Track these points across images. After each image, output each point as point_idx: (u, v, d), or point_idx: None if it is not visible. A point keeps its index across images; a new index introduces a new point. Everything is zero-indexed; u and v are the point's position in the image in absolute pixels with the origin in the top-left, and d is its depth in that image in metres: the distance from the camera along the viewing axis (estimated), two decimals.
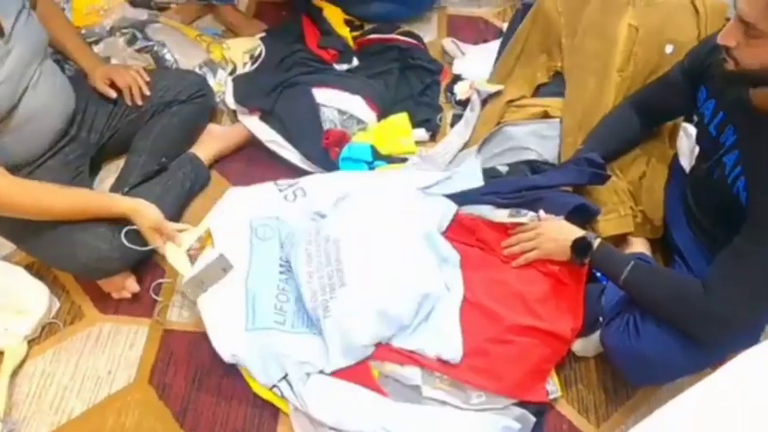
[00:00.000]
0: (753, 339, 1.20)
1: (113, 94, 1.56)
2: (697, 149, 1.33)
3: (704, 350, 1.11)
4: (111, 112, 1.56)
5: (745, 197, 1.07)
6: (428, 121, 1.76)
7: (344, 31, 1.93)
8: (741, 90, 1.09)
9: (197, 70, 1.77)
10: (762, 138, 1.05)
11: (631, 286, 1.18)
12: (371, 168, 1.60)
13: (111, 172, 1.63)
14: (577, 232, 1.26)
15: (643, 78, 1.51)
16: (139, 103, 1.56)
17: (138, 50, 1.73)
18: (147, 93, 1.57)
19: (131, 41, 1.74)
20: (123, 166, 1.57)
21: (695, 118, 1.30)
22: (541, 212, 1.36)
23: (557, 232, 1.28)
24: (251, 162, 1.71)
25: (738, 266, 1.04)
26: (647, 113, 1.41)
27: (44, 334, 1.40)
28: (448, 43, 1.98)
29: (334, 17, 1.95)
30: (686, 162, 1.44)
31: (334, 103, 1.68)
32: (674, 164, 1.46)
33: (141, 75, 1.57)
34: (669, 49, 1.51)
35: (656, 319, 1.15)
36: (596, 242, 1.23)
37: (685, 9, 1.56)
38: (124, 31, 1.74)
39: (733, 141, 1.13)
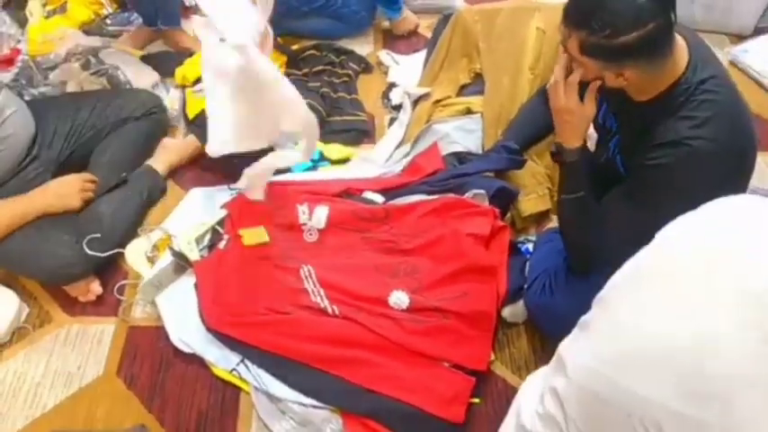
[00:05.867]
0: None
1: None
2: (596, 135, 1.52)
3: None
4: (70, 131, 1.66)
5: (624, 174, 1.25)
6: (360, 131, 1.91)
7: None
8: None
9: (150, 89, 1.90)
10: (637, 125, 1.20)
11: (566, 206, 1.30)
12: (315, 167, 1.75)
13: None
14: (578, 141, 1.26)
15: (552, 74, 1.69)
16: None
17: (94, 74, 1.85)
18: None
19: (86, 66, 1.85)
20: None
21: None
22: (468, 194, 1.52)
23: (577, 121, 1.25)
24: (204, 171, 1.84)
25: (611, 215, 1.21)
26: None
27: (14, 338, 1.50)
28: (383, 55, 2.15)
29: None
30: (592, 145, 1.62)
31: None
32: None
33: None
34: None
35: (565, 275, 1.31)
36: (574, 158, 1.27)
37: None
38: (78, 56, 1.86)
39: (616, 127, 1.31)
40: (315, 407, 1.35)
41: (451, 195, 1.54)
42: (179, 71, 1.97)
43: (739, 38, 2.30)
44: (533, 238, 1.60)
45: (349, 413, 1.34)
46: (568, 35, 1.11)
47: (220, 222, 1.57)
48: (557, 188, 1.43)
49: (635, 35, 1.02)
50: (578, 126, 1.25)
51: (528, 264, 1.51)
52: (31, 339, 1.50)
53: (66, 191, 1.50)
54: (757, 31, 2.29)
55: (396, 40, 2.27)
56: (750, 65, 2.15)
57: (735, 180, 1.21)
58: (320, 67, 2.04)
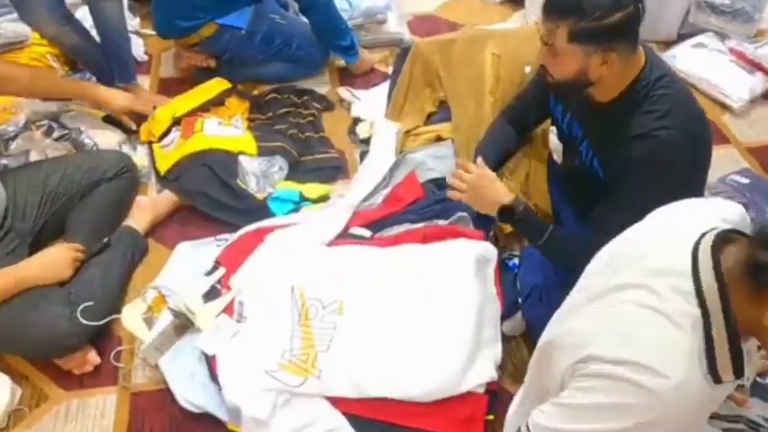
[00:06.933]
0: None
1: (134, 126, 1.94)
2: (561, 145, 1.62)
3: None
4: (42, 200, 1.61)
5: (603, 173, 1.34)
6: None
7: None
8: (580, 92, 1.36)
9: (117, 149, 1.88)
10: (604, 125, 1.31)
11: (547, 248, 1.39)
12: (298, 208, 1.77)
13: None
14: (505, 198, 1.38)
15: (512, 96, 1.78)
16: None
17: (57, 139, 1.81)
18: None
19: (49, 132, 1.81)
20: None
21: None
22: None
23: (488, 194, 1.40)
24: (183, 225, 1.82)
25: (604, 220, 1.28)
26: (518, 124, 1.66)
27: (11, 422, 1.43)
28: (343, 92, 2.21)
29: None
30: (558, 156, 1.73)
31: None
32: (550, 160, 1.74)
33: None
34: (528, 69, 1.81)
35: (559, 286, 1.38)
36: (521, 209, 1.38)
37: (535, 34, 1.86)
38: (39, 123, 1.82)
39: (581, 133, 1.41)
40: None
41: (437, 222, 1.60)
42: (144, 127, 1.95)
43: (666, 44, 2.49)
44: (518, 253, 1.68)
45: None
46: (555, 27, 1.20)
47: (219, 281, 1.56)
48: (526, 238, 1.51)
49: (619, 15, 1.15)
50: (495, 184, 1.41)
51: (518, 278, 1.58)
52: (29, 422, 1.43)
53: (55, 262, 1.46)
54: (680, 38, 2.50)
55: (352, 76, 2.33)
56: (680, 68, 2.33)
57: (699, 165, 1.32)
58: (284, 110, 2.08)
